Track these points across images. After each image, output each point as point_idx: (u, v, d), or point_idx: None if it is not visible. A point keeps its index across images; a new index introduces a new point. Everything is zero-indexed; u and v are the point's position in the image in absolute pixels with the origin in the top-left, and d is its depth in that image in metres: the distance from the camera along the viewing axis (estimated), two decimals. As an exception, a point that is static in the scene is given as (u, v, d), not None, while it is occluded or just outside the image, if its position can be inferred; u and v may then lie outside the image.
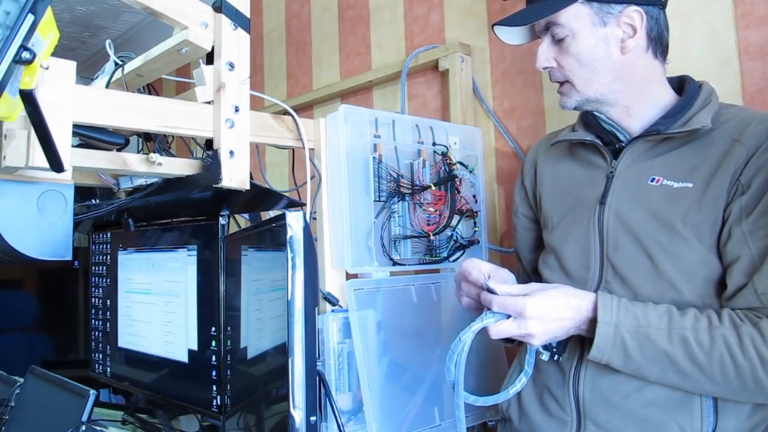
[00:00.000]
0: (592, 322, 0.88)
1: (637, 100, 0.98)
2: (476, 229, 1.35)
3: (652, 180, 0.94)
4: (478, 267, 0.96)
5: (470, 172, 1.35)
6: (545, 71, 1.02)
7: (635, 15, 0.94)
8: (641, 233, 0.93)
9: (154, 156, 1.02)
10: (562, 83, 1.01)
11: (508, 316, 0.87)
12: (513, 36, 1.06)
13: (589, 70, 0.96)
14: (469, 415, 1.22)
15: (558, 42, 0.97)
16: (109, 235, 1.70)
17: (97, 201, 1.36)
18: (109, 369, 1.66)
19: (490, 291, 0.90)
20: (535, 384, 1.03)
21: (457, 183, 1.31)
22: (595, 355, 0.87)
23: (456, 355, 0.88)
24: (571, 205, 1.04)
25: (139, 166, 1.03)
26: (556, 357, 0.95)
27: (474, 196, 1.35)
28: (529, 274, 1.20)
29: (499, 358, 1.34)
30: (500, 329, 0.87)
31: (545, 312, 0.86)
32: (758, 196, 0.85)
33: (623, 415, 0.92)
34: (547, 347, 0.93)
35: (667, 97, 0.99)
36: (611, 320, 0.86)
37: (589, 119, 1.03)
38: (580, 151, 1.07)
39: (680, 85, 1.01)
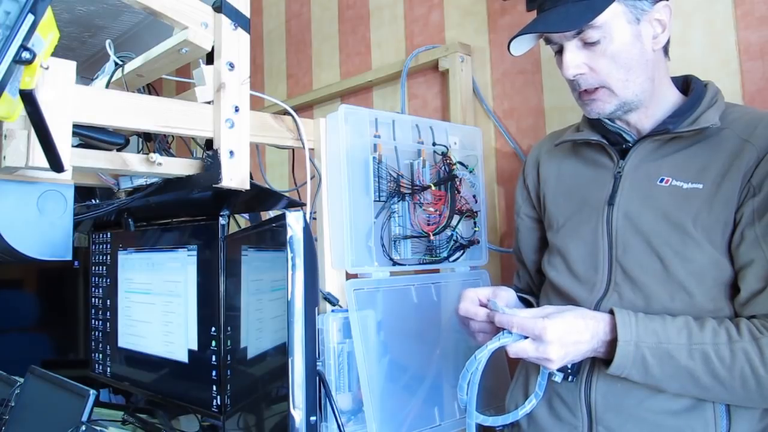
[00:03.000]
0: (609, 344, 0.88)
1: (652, 100, 0.96)
2: (476, 229, 1.35)
3: (661, 180, 0.93)
4: (477, 297, 0.97)
5: (470, 172, 1.35)
6: (575, 79, 0.94)
7: (665, 10, 0.92)
8: (651, 235, 0.92)
9: (154, 156, 1.02)
10: (593, 90, 0.94)
11: (525, 337, 0.86)
12: (521, 46, 1.00)
13: (626, 70, 0.92)
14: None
15: (588, 45, 0.91)
16: (109, 235, 1.70)
17: (97, 201, 1.36)
18: (109, 369, 1.66)
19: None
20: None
21: (457, 183, 1.31)
22: (615, 371, 0.87)
23: (470, 373, 0.88)
24: (578, 206, 1.03)
25: (139, 166, 1.03)
26: (570, 378, 0.95)
27: (474, 196, 1.35)
28: (532, 274, 1.20)
29: (500, 361, 1.34)
30: (518, 349, 0.86)
31: (563, 335, 0.85)
32: None
33: (636, 420, 0.91)
34: (560, 368, 0.93)
35: (673, 97, 0.98)
36: (631, 338, 0.85)
37: (594, 119, 1.03)
38: (585, 151, 1.06)
39: (684, 84, 1.00)
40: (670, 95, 0.98)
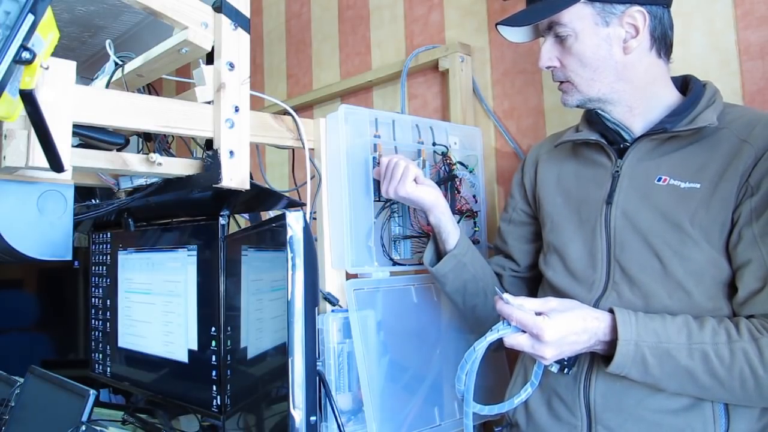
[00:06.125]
0: (608, 344, 0.88)
1: (641, 100, 0.98)
2: (476, 229, 1.35)
3: (659, 180, 0.93)
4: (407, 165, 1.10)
5: (470, 172, 1.35)
6: (548, 71, 1.02)
7: (638, 15, 0.94)
8: (650, 233, 0.92)
9: (154, 156, 1.02)
10: (563, 82, 1.01)
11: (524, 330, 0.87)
12: (516, 34, 1.06)
13: (592, 70, 0.96)
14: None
15: (561, 42, 0.98)
16: (109, 235, 1.70)
17: (97, 201, 1.36)
18: (109, 369, 1.66)
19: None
20: (543, 388, 1.01)
21: (457, 183, 1.31)
22: (614, 369, 0.87)
23: (469, 364, 0.88)
24: (576, 206, 1.04)
25: (139, 166, 1.03)
26: (566, 371, 0.95)
27: (474, 196, 1.35)
28: (518, 261, 1.19)
29: (499, 357, 1.34)
30: (514, 342, 0.87)
31: (561, 338, 0.85)
32: None
33: (635, 420, 0.91)
34: (557, 360, 0.93)
35: (671, 97, 0.98)
36: (631, 337, 0.85)
37: (593, 117, 1.03)
38: (584, 151, 1.06)
39: (684, 84, 1.01)
40: (666, 95, 0.98)
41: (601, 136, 1.02)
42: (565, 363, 0.94)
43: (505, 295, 0.89)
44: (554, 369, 0.94)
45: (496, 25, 1.04)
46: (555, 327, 0.85)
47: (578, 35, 0.95)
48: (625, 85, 0.97)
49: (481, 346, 0.88)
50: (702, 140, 0.92)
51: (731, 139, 0.90)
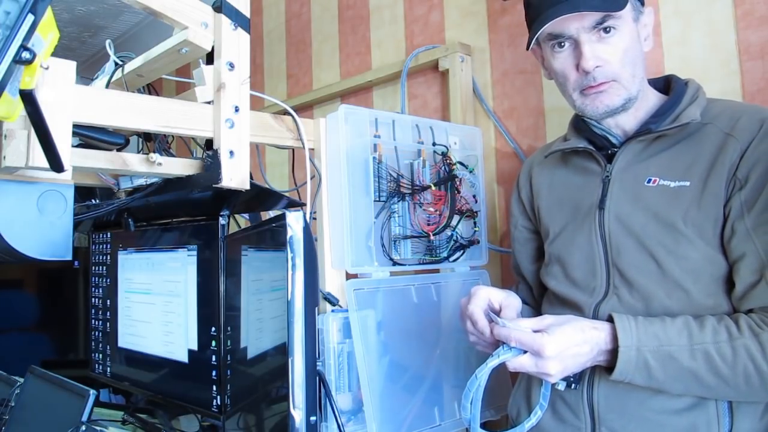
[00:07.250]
0: (610, 353, 0.87)
1: (641, 101, 0.98)
2: (476, 229, 1.35)
3: (649, 181, 0.93)
4: (488, 298, 0.95)
5: (470, 172, 1.35)
6: (591, 72, 0.93)
7: (651, 14, 0.97)
8: (644, 235, 0.92)
9: (154, 156, 1.02)
10: (601, 84, 0.94)
11: (525, 351, 0.86)
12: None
13: (632, 65, 0.94)
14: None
15: (603, 39, 0.93)
16: (109, 235, 1.70)
17: (97, 201, 1.36)
18: (109, 369, 1.66)
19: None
20: None
21: (457, 183, 1.31)
22: (618, 377, 0.86)
23: (472, 392, 0.87)
24: (571, 214, 1.04)
25: (139, 166, 1.03)
26: (573, 386, 0.94)
27: (474, 196, 1.35)
28: (532, 286, 1.19)
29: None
30: (517, 365, 0.86)
31: (563, 351, 0.84)
32: (758, 189, 0.84)
33: (639, 420, 0.91)
34: (563, 377, 0.92)
35: (654, 98, 0.99)
36: (632, 343, 0.84)
37: (579, 125, 1.03)
38: (573, 159, 1.06)
39: (666, 85, 1.01)
40: (652, 96, 0.99)
41: (589, 142, 1.02)
42: (571, 379, 0.93)
43: (500, 319, 0.88)
44: (561, 387, 0.93)
45: (560, 14, 0.90)
46: (555, 341, 0.84)
47: (624, 30, 0.93)
48: (644, 83, 0.97)
49: (483, 373, 0.87)
50: (688, 138, 0.93)
51: (716, 133, 0.90)
